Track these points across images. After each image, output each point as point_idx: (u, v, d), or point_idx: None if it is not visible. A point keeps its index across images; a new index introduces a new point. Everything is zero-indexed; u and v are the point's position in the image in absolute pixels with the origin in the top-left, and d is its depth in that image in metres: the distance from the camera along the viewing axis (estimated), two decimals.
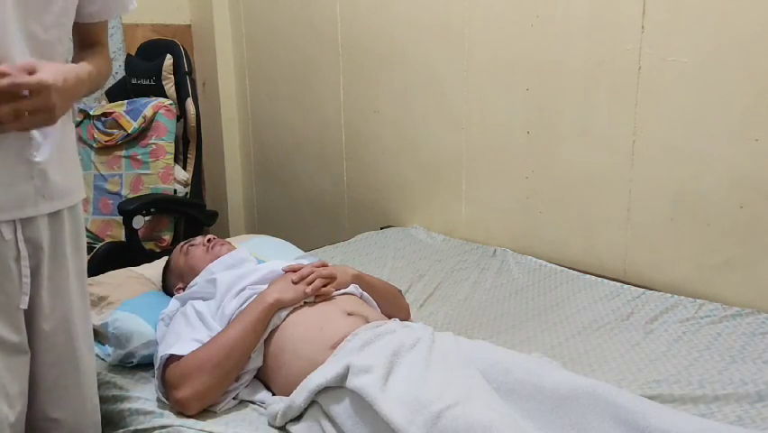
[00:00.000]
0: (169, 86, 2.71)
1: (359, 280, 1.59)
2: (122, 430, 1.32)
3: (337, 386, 1.20)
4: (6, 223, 1.07)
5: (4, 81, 0.96)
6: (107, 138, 2.66)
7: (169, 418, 1.29)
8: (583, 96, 1.98)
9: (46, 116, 1.02)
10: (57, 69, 1.03)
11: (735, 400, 1.28)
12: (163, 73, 2.70)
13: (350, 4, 2.60)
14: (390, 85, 2.52)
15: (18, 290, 1.11)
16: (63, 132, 1.16)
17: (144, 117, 2.61)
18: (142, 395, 1.38)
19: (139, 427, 1.30)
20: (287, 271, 1.52)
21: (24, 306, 1.12)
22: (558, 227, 2.13)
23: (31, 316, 1.14)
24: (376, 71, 2.56)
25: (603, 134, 1.95)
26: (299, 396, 1.23)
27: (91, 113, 2.72)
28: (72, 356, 1.22)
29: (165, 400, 1.34)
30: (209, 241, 1.75)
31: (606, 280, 1.92)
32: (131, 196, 2.60)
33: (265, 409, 1.32)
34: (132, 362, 1.48)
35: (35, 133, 1.08)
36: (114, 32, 2.96)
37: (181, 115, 2.71)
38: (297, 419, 1.24)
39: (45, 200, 1.12)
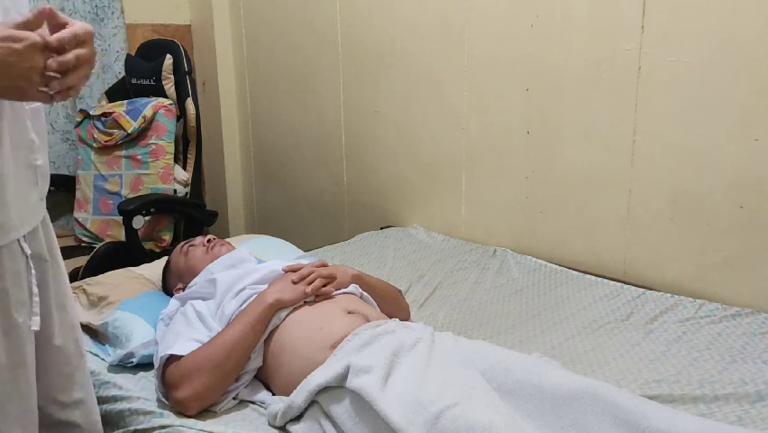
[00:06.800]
0: (169, 86, 2.71)
1: (359, 280, 1.59)
2: (122, 430, 1.32)
3: (337, 386, 1.20)
4: (23, 237, 0.97)
5: (66, 34, 0.84)
6: (107, 138, 2.67)
7: (169, 418, 1.29)
8: (583, 96, 1.98)
9: (89, 72, 0.90)
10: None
11: (735, 400, 1.28)
12: (163, 73, 2.70)
13: (350, 4, 2.59)
14: (390, 85, 2.52)
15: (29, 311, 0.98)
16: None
17: (144, 117, 2.61)
18: (142, 395, 1.38)
19: (139, 427, 1.30)
20: (287, 271, 1.52)
21: (36, 327, 0.98)
22: (558, 227, 2.13)
23: (45, 334, 1.05)
24: (376, 71, 2.56)
25: (603, 134, 1.95)
26: (299, 396, 1.23)
27: (91, 113, 2.72)
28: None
29: (165, 400, 1.33)
30: (209, 241, 1.76)
31: (606, 280, 1.92)
32: (131, 196, 2.60)
33: (265, 409, 1.32)
34: (132, 362, 1.48)
35: (34, 135, 1.00)
36: (117, 32, 2.96)
37: (181, 114, 2.71)
38: (297, 418, 1.24)
39: (41, 202, 1.05)
